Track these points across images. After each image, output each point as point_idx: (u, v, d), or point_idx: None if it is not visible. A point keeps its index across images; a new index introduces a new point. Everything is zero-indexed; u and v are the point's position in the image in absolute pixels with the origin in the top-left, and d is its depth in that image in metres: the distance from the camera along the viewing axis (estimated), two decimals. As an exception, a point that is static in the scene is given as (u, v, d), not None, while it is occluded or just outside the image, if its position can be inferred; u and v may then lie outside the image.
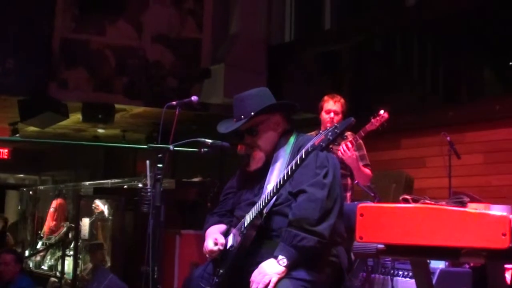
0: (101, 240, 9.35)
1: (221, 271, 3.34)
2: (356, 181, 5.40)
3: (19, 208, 14.19)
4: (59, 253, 10.17)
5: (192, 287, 3.44)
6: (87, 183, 11.34)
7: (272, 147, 3.45)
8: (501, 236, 2.27)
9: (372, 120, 5.32)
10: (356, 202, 3.97)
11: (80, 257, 9.36)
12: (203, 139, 3.69)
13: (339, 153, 5.16)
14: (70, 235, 10.29)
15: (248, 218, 3.28)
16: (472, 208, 2.63)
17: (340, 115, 5.34)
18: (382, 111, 5.33)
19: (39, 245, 11.51)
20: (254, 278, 3.11)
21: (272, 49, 9.60)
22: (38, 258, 11.12)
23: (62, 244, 10.04)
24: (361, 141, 5.42)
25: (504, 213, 2.38)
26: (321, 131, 3.10)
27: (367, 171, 5.39)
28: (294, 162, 3.10)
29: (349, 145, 5.19)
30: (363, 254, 2.88)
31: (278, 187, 3.17)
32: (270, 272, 3.07)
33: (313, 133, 4.93)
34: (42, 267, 10.80)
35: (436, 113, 7.83)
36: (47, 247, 10.97)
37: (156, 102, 9.02)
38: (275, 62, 9.46)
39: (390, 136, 7.75)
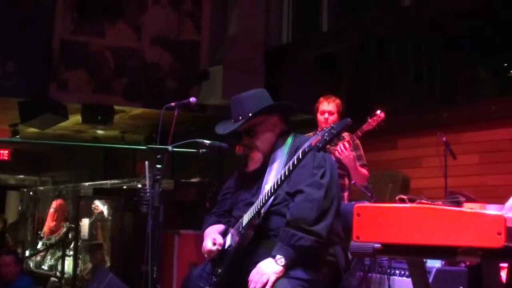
0: (101, 240, 9.37)
1: (220, 270, 3.34)
2: (353, 181, 5.42)
3: (19, 208, 14.18)
4: (59, 253, 10.18)
5: (191, 286, 3.43)
6: (86, 183, 11.33)
7: (270, 148, 3.46)
8: (497, 235, 2.27)
9: (369, 120, 5.36)
10: (353, 202, 3.97)
11: (80, 257, 9.38)
12: (201, 140, 3.70)
13: (336, 153, 5.19)
14: (70, 235, 10.30)
15: (246, 218, 3.29)
16: (468, 207, 2.64)
17: (335, 115, 5.36)
18: (378, 111, 5.37)
19: (39, 245, 11.51)
20: (252, 277, 3.12)
21: (270, 51, 9.60)
22: (38, 258, 11.13)
23: (62, 244, 10.06)
24: (358, 141, 5.44)
25: (500, 213, 2.38)
26: (317, 132, 3.12)
27: (364, 171, 5.40)
28: (291, 162, 3.11)
29: (346, 145, 5.23)
30: (360, 254, 2.87)
31: (275, 187, 3.18)
32: (268, 271, 3.08)
33: (310, 134, 4.95)
34: (43, 267, 10.81)
35: (433, 113, 7.83)
36: (47, 247, 10.98)
37: (155, 104, 9.03)
38: (273, 63, 9.46)
39: (387, 137, 7.77)
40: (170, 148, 3.61)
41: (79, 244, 9.31)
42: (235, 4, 9.60)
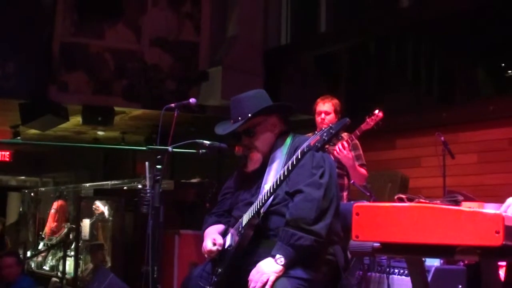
0: (102, 241, 9.37)
1: (220, 270, 3.34)
2: (352, 181, 5.44)
3: (20, 209, 14.17)
4: (60, 254, 10.18)
5: (191, 286, 3.43)
6: (87, 184, 11.32)
7: (269, 148, 3.47)
8: (495, 234, 2.29)
9: (367, 120, 5.38)
10: (352, 202, 3.97)
11: (81, 257, 9.39)
12: (201, 141, 3.70)
13: (335, 153, 5.21)
14: (71, 236, 10.28)
15: (245, 218, 3.30)
16: (466, 206, 2.64)
17: (332, 114, 5.39)
18: (377, 111, 5.40)
19: (40, 246, 11.49)
20: (252, 277, 3.12)
21: (269, 52, 9.61)
22: (39, 258, 11.13)
23: (63, 245, 10.05)
24: (357, 141, 5.46)
25: (498, 211, 2.40)
26: (316, 132, 3.14)
27: (363, 171, 5.42)
28: (290, 162, 3.12)
29: (345, 144, 5.25)
30: (359, 253, 2.89)
31: (275, 187, 3.19)
32: (268, 271, 3.09)
33: (309, 134, 4.97)
34: (44, 267, 10.80)
35: (431, 113, 7.84)
36: (49, 248, 10.97)
37: (155, 105, 9.03)
38: (272, 64, 9.46)
39: (386, 136, 7.78)
40: (170, 148, 3.61)
41: (80, 244, 9.32)
42: (234, 5, 9.60)
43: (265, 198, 3.24)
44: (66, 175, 15.93)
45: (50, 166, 16.32)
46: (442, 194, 5.85)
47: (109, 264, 8.41)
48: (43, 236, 11.46)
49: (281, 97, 8.38)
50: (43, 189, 13.77)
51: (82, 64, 9.05)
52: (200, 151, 3.69)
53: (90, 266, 9.15)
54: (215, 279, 3.36)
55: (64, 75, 8.94)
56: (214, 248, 3.41)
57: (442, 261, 4.69)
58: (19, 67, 8.65)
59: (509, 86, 7.56)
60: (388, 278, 4.73)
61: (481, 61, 7.85)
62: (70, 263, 9.47)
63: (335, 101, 5.47)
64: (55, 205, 11.34)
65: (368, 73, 9.17)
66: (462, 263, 4.76)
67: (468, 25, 7.61)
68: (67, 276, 9.34)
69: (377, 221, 2.56)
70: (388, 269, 4.76)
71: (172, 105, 3.86)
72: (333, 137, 3.01)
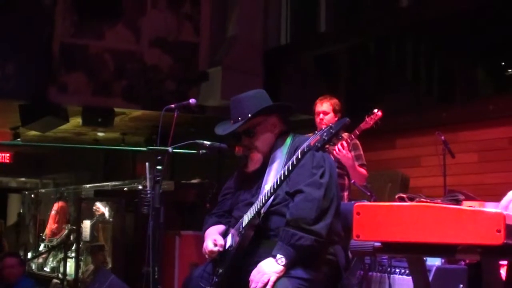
0: (102, 242, 9.38)
1: (221, 271, 3.34)
2: (353, 181, 5.45)
3: (21, 211, 14.19)
4: (61, 255, 10.18)
5: (192, 287, 3.43)
6: (87, 185, 11.33)
7: (269, 148, 3.47)
8: (496, 233, 2.28)
9: (367, 119, 5.38)
10: (352, 201, 3.99)
11: (82, 258, 9.40)
12: (201, 141, 3.70)
13: (334, 153, 5.22)
14: (71, 237, 10.28)
15: (246, 218, 3.30)
16: (467, 205, 2.63)
17: (331, 114, 5.39)
18: (376, 110, 5.41)
19: (41, 248, 11.51)
20: (253, 277, 3.12)
21: (268, 52, 9.61)
22: (40, 260, 11.14)
23: (64, 246, 10.06)
24: (357, 141, 5.47)
25: (499, 210, 2.39)
26: (316, 132, 3.14)
27: (363, 171, 5.42)
28: (290, 162, 3.12)
29: (344, 144, 5.26)
30: (360, 252, 2.89)
31: (275, 187, 3.19)
32: (269, 271, 3.09)
33: (309, 134, 4.97)
34: (45, 269, 10.82)
35: (431, 113, 7.85)
36: (49, 249, 10.98)
37: (155, 105, 9.02)
38: (272, 64, 9.46)
39: (386, 136, 7.79)
40: (170, 149, 3.62)
41: (80, 246, 9.33)
42: (234, 5, 9.61)
43: (266, 198, 3.23)
44: (66, 176, 15.95)
45: (50, 167, 16.35)
46: (442, 193, 5.83)
47: (110, 265, 8.42)
48: (43, 237, 11.47)
49: (281, 97, 8.38)
50: (43, 190, 13.80)
51: (82, 65, 9.05)
52: (200, 151, 3.70)
53: (91, 267, 9.16)
54: (216, 280, 3.36)
55: (64, 76, 8.95)
56: (215, 248, 3.40)
57: (443, 260, 4.69)
58: (19, 68, 8.66)
59: (509, 85, 7.56)
60: (389, 277, 4.73)
61: (481, 60, 7.85)
62: (70, 265, 9.48)
63: (334, 100, 5.48)
64: (56, 206, 11.35)
65: (368, 73, 9.18)
66: (463, 263, 4.77)
67: (467, 24, 7.62)
68: (68, 277, 9.35)
69: (378, 220, 2.55)
70: (389, 269, 4.77)
71: (172, 105, 3.87)
72: (333, 136, 3.01)
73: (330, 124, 3.06)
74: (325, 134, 2.99)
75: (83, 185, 11.60)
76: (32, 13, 8.76)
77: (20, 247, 12.27)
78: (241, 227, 3.34)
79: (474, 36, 7.62)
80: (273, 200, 3.28)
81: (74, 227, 9.98)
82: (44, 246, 11.35)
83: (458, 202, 2.71)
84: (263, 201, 3.24)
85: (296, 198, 3.20)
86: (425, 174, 7.37)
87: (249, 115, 3.42)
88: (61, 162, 15.42)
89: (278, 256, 3.11)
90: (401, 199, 2.72)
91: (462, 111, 7.57)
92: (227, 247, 3.41)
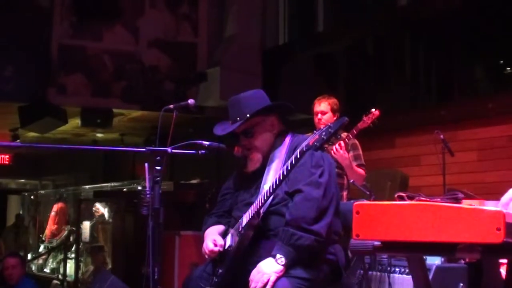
0: (102, 243, 9.39)
1: (220, 271, 3.35)
2: (352, 180, 5.45)
3: (20, 212, 14.20)
4: (61, 256, 10.21)
5: (191, 287, 3.44)
6: (87, 186, 11.36)
7: (268, 148, 3.46)
8: (496, 231, 2.27)
9: (364, 118, 5.37)
10: (352, 201, 3.99)
11: (82, 259, 9.42)
12: (200, 141, 3.70)
13: (332, 153, 5.22)
14: (71, 238, 10.32)
15: (245, 218, 3.30)
16: (467, 204, 2.62)
17: (329, 114, 5.39)
18: (373, 109, 5.41)
19: (41, 249, 11.54)
20: (253, 277, 3.12)
21: (267, 52, 9.63)
22: (40, 261, 11.16)
23: (63, 247, 10.09)
24: (356, 141, 5.47)
25: (498, 208, 2.39)
26: (315, 131, 3.14)
27: (360, 171, 5.40)
28: (289, 162, 3.11)
29: (342, 144, 5.26)
30: (360, 252, 2.88)
31: (274, 187, 3.18)
32: (269, 271, 3.08)
33: (308, 134, 4.97)
34: (45, 270, 10.84)
35: (430, 112, 7.84)
36: (49, 250, 11.00)
37: (154, 106, 9.03)
38: (270, 64, 9.48)
39: (385, 135, 7.80)
40: (169, 149, 3.61)
41: (80, 246, 9.35)
42: (231, 6, 9.62)
43: (265, 198, 3.23)
44: (65, 177, 15.95)
45: (49, 168, 16.36)
46: (442, 192, 5.84)
47: (110, 266, 8.43)
48: (43, 238, 11.49)
49: (280, 96, 8.37)
50: (43, 191, 13.84)
51: (81, 66, 9.08)
52: (199, 151, 3.68)
53: (91, 268, 9.18)
54: (216, 280, 3.36)
55: (63, 77, 8.97)
56: (215, 249, 3.40)
57: (443, 259, 4.69)
58: (18, 70, 8.67)
59: (508, 83, 7.55)
60: (389, 276, 4.74)
61: (480, 58, 7.84)
62: (70, 266, 9.50)
63: (332, 100, 5.48)
64: (55, 207, 11.38)
65: (366, 72, 9.16)
66: (463, 261, 4.77)
67: (466, 23, 7.62)
68: (68, 278, 9.37)
69: (378, 219, 2.54)
70: (389, 268, 4.78)
71: (171, 106, 3.85)
72: (332, 136, 3.00)
73: (329, 124, 3.05)
74: (324, 133, 2.98)
75: (83, 186, 11.63)
76: (31, 14, 8.76)
77: (19, 248, 12.26)
78: (240, 227, 3.33)
79: (473, 34, 7.62)
80: (273, 200, 3.27)
81: (74, 228, 10.01)
82: (44, 247, 11.37)
83: (457, 200, 2.70)
84: (263, 201, 3.23)
85: (296, 198, 3.20)
86: (425, 173, 7.36)
87: (248, 115, 3.41)
88: (60, 164, 15.42)
89: (278, 256, 3.10)
90: (401, 198, 2.71)
91: (461, 109, 7.56)
92: (226, 247, 3.41)
